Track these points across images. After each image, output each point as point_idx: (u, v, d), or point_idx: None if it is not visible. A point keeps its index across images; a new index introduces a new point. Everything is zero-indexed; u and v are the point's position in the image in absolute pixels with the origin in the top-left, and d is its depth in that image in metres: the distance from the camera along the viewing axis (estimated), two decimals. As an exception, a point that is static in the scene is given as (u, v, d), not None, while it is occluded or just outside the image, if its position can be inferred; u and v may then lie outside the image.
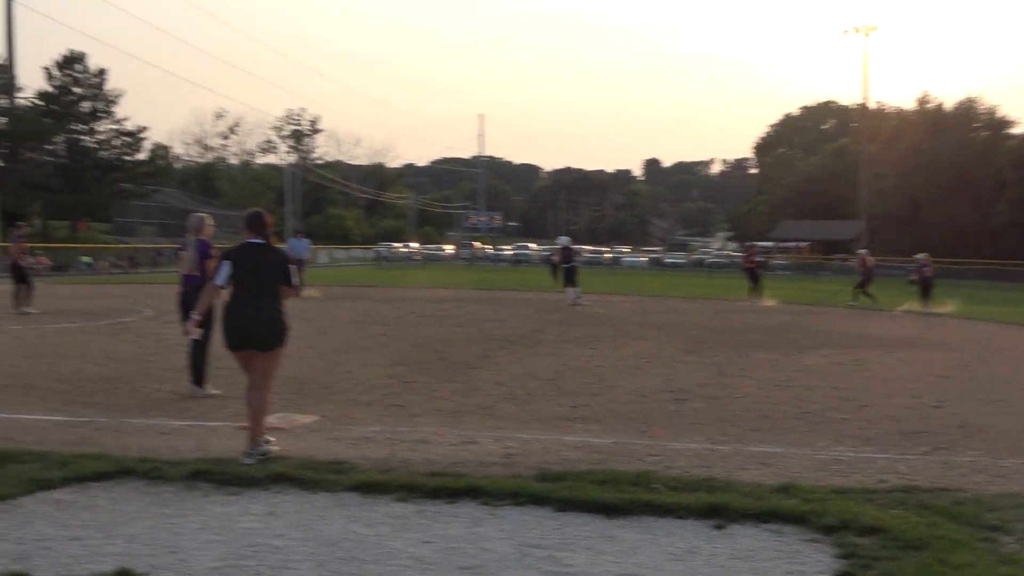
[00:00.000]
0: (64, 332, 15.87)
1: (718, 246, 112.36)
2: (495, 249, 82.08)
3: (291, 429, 7.74)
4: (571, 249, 26.11)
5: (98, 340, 14.57)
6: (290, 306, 7.07)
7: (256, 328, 6.71)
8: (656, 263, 74.89)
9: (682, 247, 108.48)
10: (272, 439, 6.81)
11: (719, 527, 5.17)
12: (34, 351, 13.00)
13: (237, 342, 6.73)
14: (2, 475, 5.98)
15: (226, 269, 6.79)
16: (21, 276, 19.81)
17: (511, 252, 77.87)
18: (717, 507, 5.36)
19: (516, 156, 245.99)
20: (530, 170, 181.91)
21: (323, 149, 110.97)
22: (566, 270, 25.33)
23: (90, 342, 14.25)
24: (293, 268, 7.00)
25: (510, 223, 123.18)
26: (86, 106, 65.27)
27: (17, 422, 7.88)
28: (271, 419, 8.00)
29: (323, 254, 63.79)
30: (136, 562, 4.51)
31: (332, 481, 5.94)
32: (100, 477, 6.00)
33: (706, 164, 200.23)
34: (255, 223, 6.96)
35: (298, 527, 5.15)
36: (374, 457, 6.72)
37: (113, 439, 7.27)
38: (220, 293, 6.96)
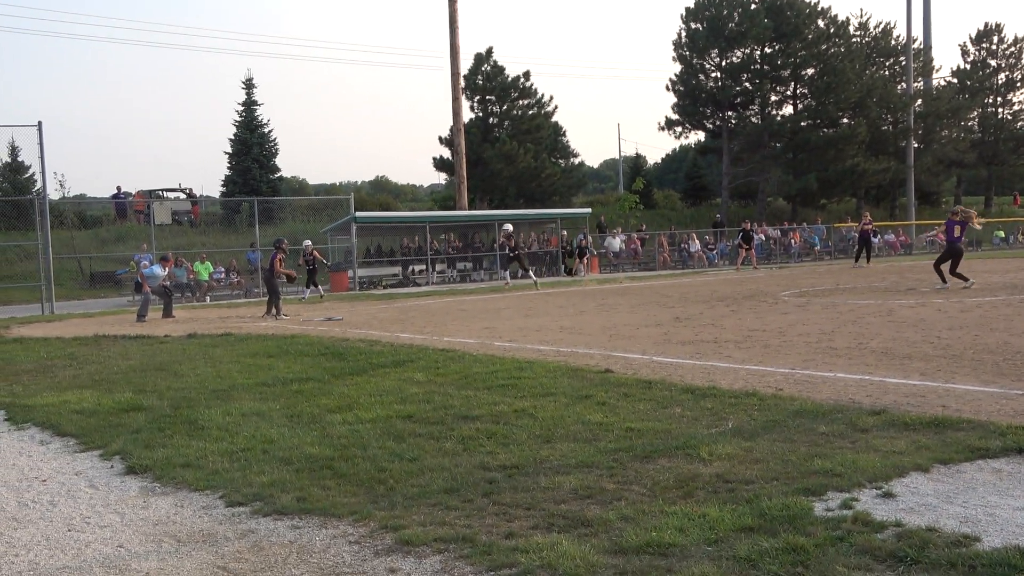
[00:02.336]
0: (987, 305, 15.74)
1: None
2: None
3: None
4: None
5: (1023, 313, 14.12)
6: None
7: None
8: None
9: None
10: None
11: None
12: (958, 323, 13.13)
13: None
14: (942, 440, 6.15)
15: None
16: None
17: None
18: None
19: None
20: None
21: None
22: None
23: (1015, 315, 13.86)
24: None
25: None
26: (1000, 78, 64.09)
27: (950, 391, 8.02)
28: None
29: None
30: (1090, 543, 4.21)
31: None
32: (1040, 451, 5.77)
33: None
34: None
35: None
36: None
37: (1051, 414, 6.92)
38: None
